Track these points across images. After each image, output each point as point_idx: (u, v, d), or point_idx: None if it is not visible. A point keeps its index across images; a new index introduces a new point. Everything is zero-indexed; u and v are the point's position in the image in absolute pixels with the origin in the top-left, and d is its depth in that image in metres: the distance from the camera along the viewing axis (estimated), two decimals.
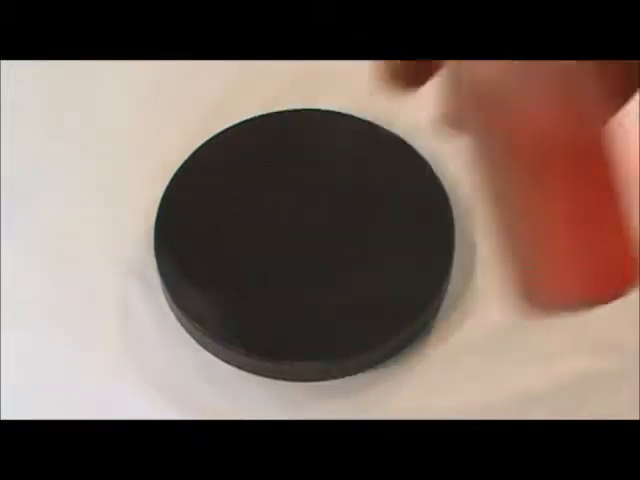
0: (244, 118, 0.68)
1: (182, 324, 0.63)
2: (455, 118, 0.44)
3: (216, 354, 0.62)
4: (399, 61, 0.46)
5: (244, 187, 0.66)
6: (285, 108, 0.68)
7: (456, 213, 0.64)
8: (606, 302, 0.38)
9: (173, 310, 0.63)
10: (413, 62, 0.46)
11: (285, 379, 0.62)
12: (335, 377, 0.62)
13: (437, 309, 0.63)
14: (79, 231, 0.66)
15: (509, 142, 0.38)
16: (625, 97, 0.44)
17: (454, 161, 0.68)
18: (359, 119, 0.68)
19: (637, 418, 0.59)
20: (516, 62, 0.40)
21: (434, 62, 0.49)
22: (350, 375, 0.62)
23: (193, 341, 0.63)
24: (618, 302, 0.64)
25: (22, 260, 0.66)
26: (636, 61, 0.70)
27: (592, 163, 0.39)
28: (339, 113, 0.68)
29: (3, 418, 0.60)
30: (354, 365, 0.62)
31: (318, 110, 0.68)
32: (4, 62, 0.70)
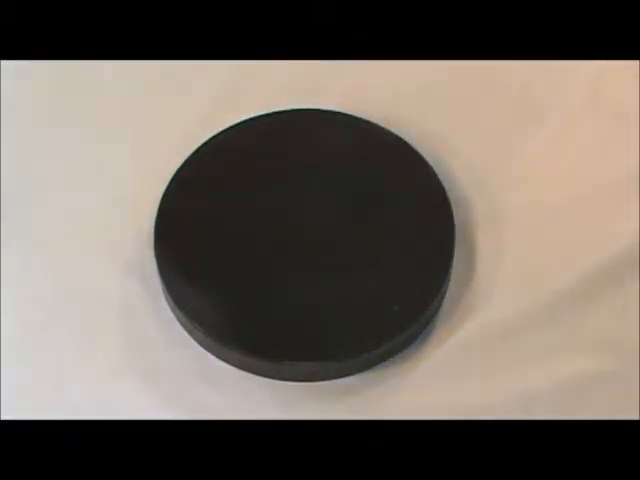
0: (244, 118, 0.68)
1: (182, 324, 0.63)
2: None
3: (216, 354, 0.62)
4: None
5: (244, 187, 0.66)
6: (285, 108, 0.68)
7: (456, 213, 0.64)
8: None
9: (173, 310, 0.63)
10: None
11: (285, 379, 0.62)
12: (335, 377, 0.62)
13: (437, 309, 0.63)
14: (79, 231, 0.66)
15: None
16: None
17: (454, 161, 0.68)
18: (359, 119, 0.68)
19: (637, 418, 0.59)
20: None
21: None
22: (350, 375, 0.62)
23: (193, 341, 0.63)
24: (618, 302, 0.65)
25: (22, 260, 0.66)
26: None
27: None
28: (339, 113, 0.68)
29: (3, 418, 0.60)
30: (354, 365, 0.62)
31: (318, 110, 0.68)
32: (4, 62, 0.71)
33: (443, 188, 0.65)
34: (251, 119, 0.68)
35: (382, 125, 0.67)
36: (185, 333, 0.63)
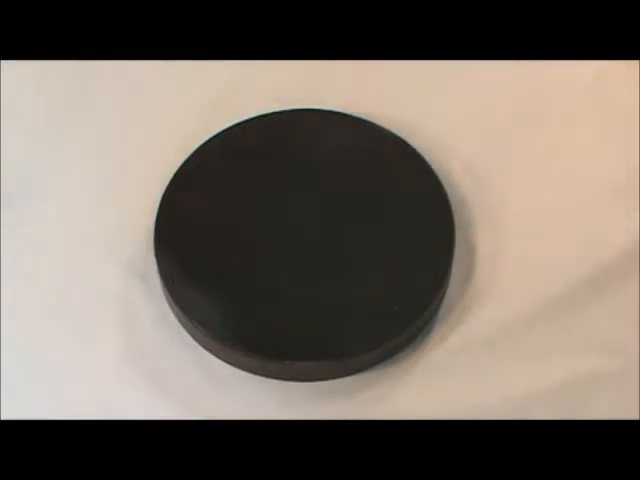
0: (244, 118, 0.68)
1: (182, 324, 0.63)
2: None
3: (216, 354, 0.62)
4: None
5: (244, 187, 0.66)
6: (285, 108, 0.68)
7: (456, 213, 0.64)
8: None
9: (173, 310, 0.63)
10: None
11: (285, 379, 0.62)
12: (335, 377, 0.62)
13: (437, 309, 0.63)
14: (79, 231, 0.66)
15: None
16: None
17: (454, 161, 0.68)
18: (359, 119, 0.68)
19: (637, 418, 0.59)
20: None
21: None
22: (350, 375, 0.62)
23: (193, 341, 0.63)
24: (618, 302, 0.65)
25: (22, 260, 0.66)
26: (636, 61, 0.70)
27: None
28: (339, 113, 0.68)
29: (3, 418, 0.60)
30: (354, 365, 0.62)
31: (318, 110, 0.68)
32: (4, 62, 0.71)
33: (443, 188, 0.65)
34: (251, 119, 0.68)
35: (382, 125, 0.67)
36: (185, 333, 0.63)
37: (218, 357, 0.62)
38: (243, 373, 0.62)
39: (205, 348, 0.63)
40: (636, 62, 0.70)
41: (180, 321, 0.63)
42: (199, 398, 0.61)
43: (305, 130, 0.68)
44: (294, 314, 0.61)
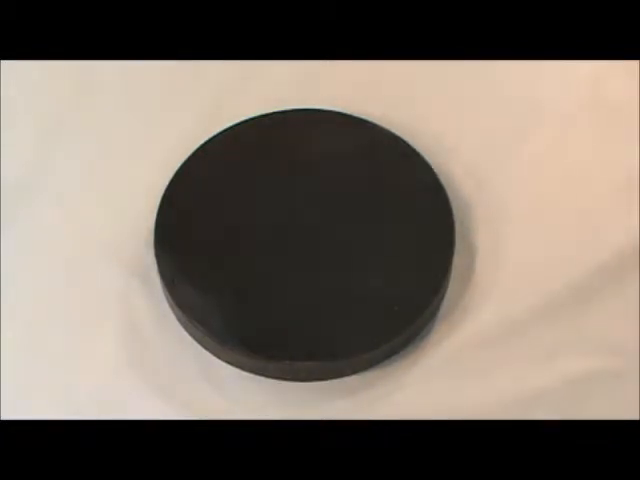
0: (244, 118, 0.68)
1: (182, 324, 0.63)
2: None
3: (216, 354, 0.62)
4: None
5: (244, 187, 0.66)
6: (285, 108, 0.68)
7: (456, 213, 0.64)
8: None
9: (173, 310, 0.63)
10: None
11: (285, 379, 0.62)
12: (335, 377, 0.62)
13: (437, 309, 0.63)
14: (79, 231, 0.66)
15: None
16: None
17: (454, 161, 0.68)
18: (359, 119, 0.68)
19: (637, 418, 0.59)
20: None
21: None
22: (350, 375, 0.62)
23: (193, 341, 0.63)
24: (618, 302, 0.65)
25: (22, 260, 0.66)
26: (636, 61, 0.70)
27: None
28: (339, 113, 0.68)
29: (3, 418, 0.60)
30: (354, 365, 0.62)
31: (318, 110, 0.68)
32: (4, 62, 0.71)
33: (443, 188, 0.65)
34: (251, 119, 0.68)
35: (382, 125, 0.67)
36: (185, 333, 0.63)
37: (218, 357, 0.62)
38: (243, 373, 0.62)
39: (205, 348, 0.63)
40: (636, 62, 0.70)
41: (180, 321, 0.63)
42: (199, 398, 0.61)
43: (305, 130, 0.68)
44: (294, 314, 0.61)
